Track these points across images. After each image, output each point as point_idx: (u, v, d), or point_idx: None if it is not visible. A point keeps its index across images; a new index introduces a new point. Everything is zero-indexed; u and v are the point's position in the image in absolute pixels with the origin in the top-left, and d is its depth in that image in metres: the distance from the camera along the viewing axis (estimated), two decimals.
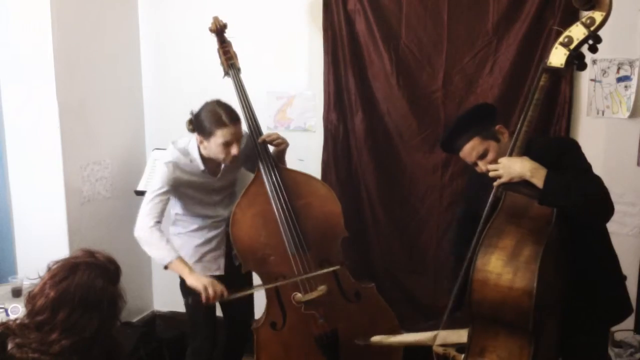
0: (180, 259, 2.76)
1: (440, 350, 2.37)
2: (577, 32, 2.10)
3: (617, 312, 2.41)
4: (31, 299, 1.69)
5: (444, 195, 3.47)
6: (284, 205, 2.89)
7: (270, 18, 3.62)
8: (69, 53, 3.29)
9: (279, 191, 2.90)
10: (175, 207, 3.00)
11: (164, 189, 2.80)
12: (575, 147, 2.32)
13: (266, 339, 2.94)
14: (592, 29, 2.07)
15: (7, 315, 2.74)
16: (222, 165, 2.93)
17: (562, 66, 2.10)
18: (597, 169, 3.21)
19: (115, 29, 3.69)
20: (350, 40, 3.48)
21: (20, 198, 3.38)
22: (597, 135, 3.25)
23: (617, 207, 3.26)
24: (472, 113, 2.49)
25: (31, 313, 1.68)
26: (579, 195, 2.07)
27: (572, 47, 2.09)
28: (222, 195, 3.03)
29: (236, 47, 3.18)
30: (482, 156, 2.32)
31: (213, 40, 3.18)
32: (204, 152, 2.84)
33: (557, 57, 2.12)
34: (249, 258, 2.92)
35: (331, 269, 2.93)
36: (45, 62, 3.20)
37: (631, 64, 3.16)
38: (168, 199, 2.84)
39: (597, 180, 2.18)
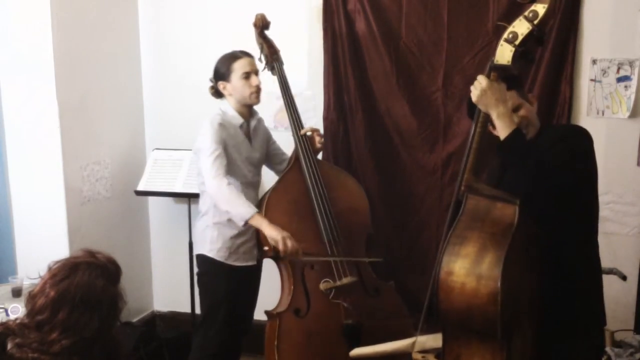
0: (260, 213, 2.81)
1: (419, 357, 2.36)
2: (520, 27, 2.05)
3: (592, 322, 2.33)
4: (31, 298, 1.69)
5: (444, 195, 3.47)
6: (322, 194, 2.99)
7: (271, 18, 3.62)
8: (69, 53, 3.29)
9: (318, 181, 3.00)
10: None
11: (219, 150, 2.84)
12: (578, 135, 2.27)
13: (289, 326, 2.93)
14: (535, 22, 2.03)
15: (7, 315, 2.73)
16: (252, 124, 3.03)
17: (509, 63, 2.06)
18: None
19: (115, 28, 3.69)
20: (350, 40, 3.48)
21: (20, 198, 3.37)
22: (597, 135, 3.19)
23: (617, 207, 3.32)
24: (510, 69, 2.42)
25: (31, 313, 1.67)
26: (533, 162, 2.07)
27: (517, 42, 2.05)
28: (258, 177, 3.10)
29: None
30: (516, 109, 2.24)
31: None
32: (232, 100, 2.97)
33: (503, 54, 2.07)
34: None
35: (376, 259, 3.07)
36: (45, 62, 3.20)
37: (631, 64, 3.16)
38: (225, 158, 2.86)
39: (561, 162, 2.11)
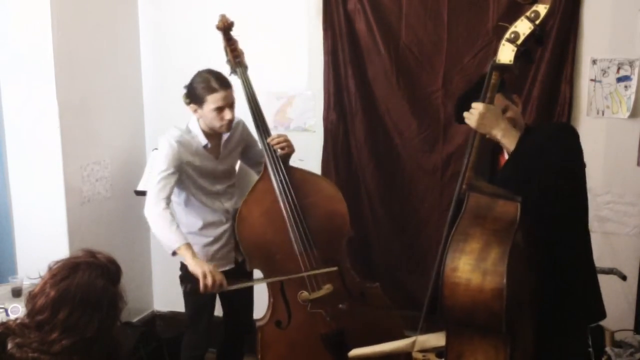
0: (188, 245, 2.73)
1: (419, 356, 2.36)
2: (522, 27, 2.08)
3: (590, 313, 2.36)
4: (32, 298, 1.69)
5: (444, 195, 3.47)
6: (291, 203, 2.90)
7: (271, 18, 3.63)
8: (69, 53, 3.29)
9: (286, 190, 2.91)
10: (179, 204, 2.99)
11: (170, 171, 2.79)
12: (566, 133, 2.29)
13: (271, 338, 2.93)
14: (537, 22, 2.06)
15: (7, 315, 2.74)
16: (222, 142, 2.96)
17: (511, 62, 2.08)
18: (597, 169, 3.26)
19: (115, 28, 3.69)
20: (350, 40, 3.48)
21: (20, 198, 3.37)
22: (597, 135, 3.25)
23: (617, 207, 3.32)
24: None
25: (31, 312, 1.67)
26: (542, 166, 2.08)
27: (519, 42, 2.07)
28: (224, 185, 3.02)
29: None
30: (502, 112, 2.25)
31: (216, 38, 3.17)
32: (200, 123, 2.90)
33: (505, 53, 2.10)
34: (254, 256, 2.92)
35: (327, 269, 2.91)
36: (45, 62, 3.20)
37: (631, 64, 3.16)
38: (176, 180, 2.83)
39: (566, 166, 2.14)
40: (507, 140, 2.13)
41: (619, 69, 3.18)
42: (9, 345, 1.63)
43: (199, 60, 3.73)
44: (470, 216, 2.14)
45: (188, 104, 2.91)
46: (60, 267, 1.70)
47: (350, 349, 2.67)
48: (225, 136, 2.98)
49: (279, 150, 2.93)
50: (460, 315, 2.07)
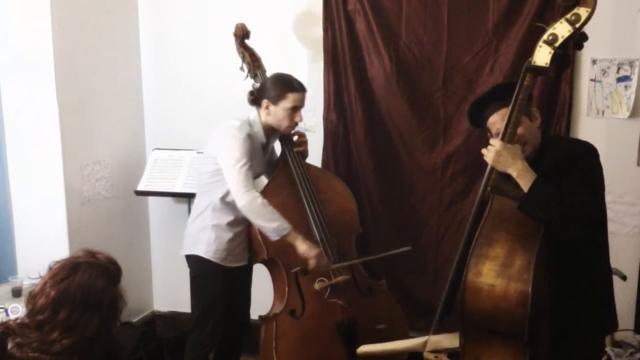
0: (295, 229, 2.82)
1: (431, 356, 2.33)
2: (561, 29, 2.01)
3: (603, 323, 2.32)
4: (32, 298, 1.69)
5: (444, 195, 3.47)
6: (312, 194, 3.00)
7: (270, 18, 3.63)
8: (69, 53, 3.29)
9: (306, 182, 3.01)
10: (216, 198, 2.94)
11: (249, 163, 2.81)
12: (589, 155, 2.19)
13: (285, 327, 2.94)
14: (577, 25, 2.00)
15: (7, 315, 2.74)
16: (271, 144, 3.04)
17: (547, 65, 2.02)
18: None
19: (115, 29, 3.68)
20: (350, 40, 3.48)
21: (20, 198, 3.37)
22: (597, 135, 3.24)
23: (617, 207, 3.33)
24: (512, 85, 2.22)
25: (32, 312, 1.68)
26: (557, 211, 2.00)
27: (557, 45, 2.01)
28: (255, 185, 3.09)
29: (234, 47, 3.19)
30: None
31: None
32: (266, 119, 2.93)
33: (542, 55, 2.03)
34: (271, 245, 2.92)
35: (403, 249, 3.06)
36: (45, 62, 3.20)
37: (631, 64, 3.16)
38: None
39: (584, 198, 2.05)
40: (522, 181, 2.07)
41: (619, 69, 3.18)
42: (9, 345, 1.63)
43: (199, 60, 3.76)
44: (494, 219, 2.10)
45: (253, 101, 2.96)
46: (61, 267, 1.70)
47: (360, 340, 2.69)
48: (272, 143, 3.04)
49: (297, 147, 3.04)
50: (480, 321, 2.04)
